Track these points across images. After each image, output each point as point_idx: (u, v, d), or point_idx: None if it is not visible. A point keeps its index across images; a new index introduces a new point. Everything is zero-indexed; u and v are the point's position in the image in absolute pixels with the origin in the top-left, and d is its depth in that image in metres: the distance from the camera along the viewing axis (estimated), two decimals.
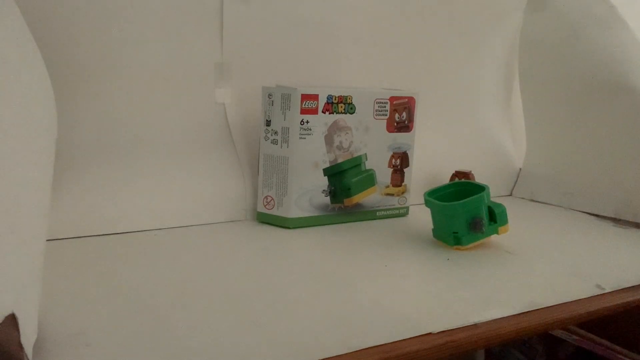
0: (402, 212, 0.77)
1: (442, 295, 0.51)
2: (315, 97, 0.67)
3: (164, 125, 0.68)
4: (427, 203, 0.65)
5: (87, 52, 0.62)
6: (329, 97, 0.68)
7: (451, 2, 0.87)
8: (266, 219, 0.70)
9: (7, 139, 0.35)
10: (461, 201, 0.62)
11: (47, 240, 0.42)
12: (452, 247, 0.63)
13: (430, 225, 0.66)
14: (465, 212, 0.62)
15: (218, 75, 0.70)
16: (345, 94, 0.70)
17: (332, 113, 0.69)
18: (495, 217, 0.63)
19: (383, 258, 0.60)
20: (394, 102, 0.74)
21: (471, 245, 0.63)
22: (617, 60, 0.83)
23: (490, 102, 0.97)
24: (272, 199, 0.69)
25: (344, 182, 0.71)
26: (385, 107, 0.73)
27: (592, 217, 0.82)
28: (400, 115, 0.75)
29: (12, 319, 0.30)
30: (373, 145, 0.73)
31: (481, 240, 0.63)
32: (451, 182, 0.69)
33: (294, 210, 0.69)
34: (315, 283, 0.53)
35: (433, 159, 0.85)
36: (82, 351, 0.38)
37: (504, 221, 0.64)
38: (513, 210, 0.66)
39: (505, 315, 0.47)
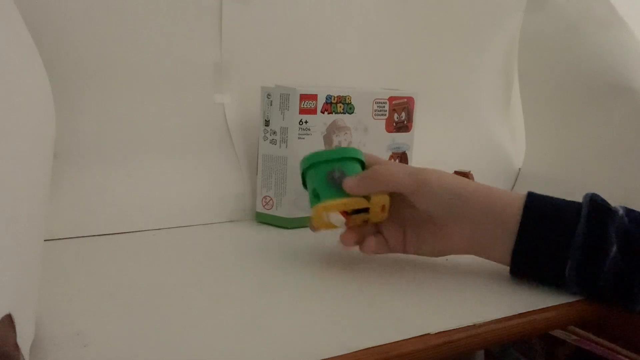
0: None
1: (445, 294, 0.51)
2: (314, 97, 0.67)
3: (162, 125, 0.68)
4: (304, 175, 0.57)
5: (85, 51, 0.62)
6: (328, 97, 0.68)
7: (451, 2, 0.87)
8: (265, 219, 0.70)
9: (4, 138, 0.35)
10: (314, 152, 0.56)
11: (46, 240, 0.42)
12: (313, 208, 0.54)
13: None
14: (319, 165, 0.54)
15: (217, 76, 0.70)
16: (344, 94, 0.69)
17: (331, 113, 0.69)
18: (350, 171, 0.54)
19: (382, 257, 0.60)
20: (393, 102, 0.74)
21: (334, 202, 0.52)
22: (617, 60, 0.83)
23: (490, 102, 0.96)
24: (271, 199, 0.69)
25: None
26: (384, 107, 0.73)
27: None
28: (400, 115, 0.75)
29: (8, 320, 0.30)
30: (372, 145, 0.73)
31: (345, 200, 0.53)
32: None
33: (292, 210, 0.68)
34: (314, 283, 0.52)
35: (432, 159, 0.85)
36: (79, 352, 0.38)
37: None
38: None
39: (505, 315, 0.47)
